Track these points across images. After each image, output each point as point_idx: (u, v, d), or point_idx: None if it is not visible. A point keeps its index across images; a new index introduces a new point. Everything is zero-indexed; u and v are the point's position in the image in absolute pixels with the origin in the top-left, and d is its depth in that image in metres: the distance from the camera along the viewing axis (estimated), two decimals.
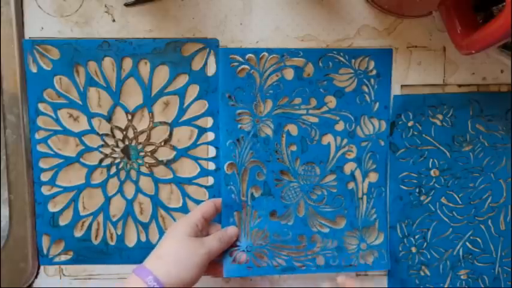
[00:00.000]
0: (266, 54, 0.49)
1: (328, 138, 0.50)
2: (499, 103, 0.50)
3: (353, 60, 0.49)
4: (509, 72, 0.50)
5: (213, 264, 0.46)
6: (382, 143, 0.50)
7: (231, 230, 0.48)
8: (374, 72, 0.49)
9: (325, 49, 0.49)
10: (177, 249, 0.42)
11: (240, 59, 0.49)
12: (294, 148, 0.49)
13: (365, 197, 0.50)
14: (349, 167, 0.50)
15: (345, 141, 0.50)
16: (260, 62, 0.49)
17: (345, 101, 0.49)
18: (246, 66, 0.49)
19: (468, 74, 0.50)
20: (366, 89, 0.49)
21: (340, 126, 0.50)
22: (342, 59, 0.49)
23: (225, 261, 0.48)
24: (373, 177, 0.50)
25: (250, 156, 0.49)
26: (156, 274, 0.40)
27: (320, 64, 0.49)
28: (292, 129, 0.49)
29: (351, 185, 0.50)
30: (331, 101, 0.49)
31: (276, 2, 0.49)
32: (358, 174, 0.50)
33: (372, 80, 0.49)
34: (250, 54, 0.49)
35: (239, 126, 0.49)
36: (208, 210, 0.47)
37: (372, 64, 0.49)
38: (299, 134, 0.49)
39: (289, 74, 0.49)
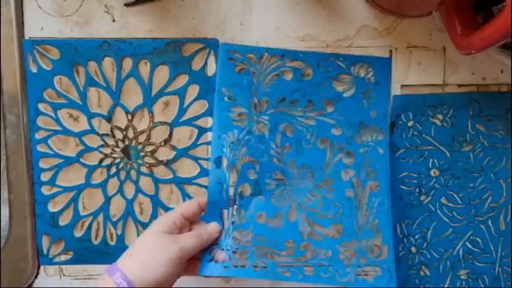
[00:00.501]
0: (266, 54, 0.48)
1: (325, 142, 0.49)
2: (499, 103, 0.50)
3: (352, 67, 0.49)
4: (509, 72, 0.50)
5: (193, 262, 0.45)
6: (382, 151, 0.48)
7: (212, 227, 0.46)
8: (373, 79, 0.49)
9: (325, 53, 0.49)
10: (148, 246, 0.41)
11: (240, 56, 0.48)
12: (289, 149, 0.48)
13: (366, 206, 0.48)
14: (347, 174, 0.48)
15: (343, 146, 0.48)
16: (260, 61, 0.48)
17: (343, 106, 0.48)
18: (245, 64, 0.48)
19: (468, 74, 0.50)
20: (365, 96, 0.49)
21: (337, 131, 0.48)
22: (341, 64, 0.49)
23: (202, 259, 0.46)
24: (374, 186, 0.48)
25: (243, 152, 0.48)
26: (125, 271, 0.39)
27: (320, 68, 0.49)
28: (288, 129, 0.49)
29: (350, 193, 0.48)
30: (329, 105, 0.49)
31: (276, 2, 0.49)
32: (357, 181, 0.48)
33: (371, 88, 0.49)
34: (250, 54, 0.48)
35: (233, 121, 0.48)
36: (190, 209, 0.45)
37: (371, 72, 0.49)
38: (295, 135, 0.48)
39: (288, 74, 0.49)
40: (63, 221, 0.51)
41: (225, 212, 0.47)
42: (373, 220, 0.47)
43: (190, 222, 0.46)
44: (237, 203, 0.48)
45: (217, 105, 0.48)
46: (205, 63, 0.49)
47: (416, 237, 0.51)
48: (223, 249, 0.46)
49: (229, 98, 0.48)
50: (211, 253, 0.46)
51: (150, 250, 0.41)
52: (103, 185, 0.51)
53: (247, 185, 0.48)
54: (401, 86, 0.50)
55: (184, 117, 0.50)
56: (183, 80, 0.50)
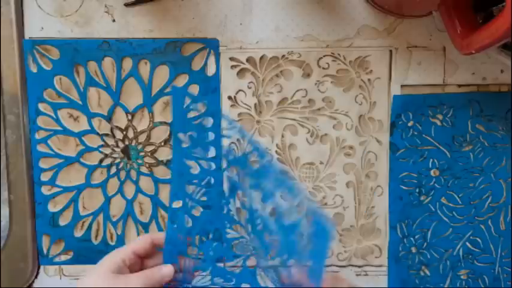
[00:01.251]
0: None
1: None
2: (499, 103, 0.50)
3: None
4: (509, 72, 0.50)
5: None
6: None
7: (165, 270, 0.42)
8: None
9: None
10: (93, 286, 0.38)
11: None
12: (245, 215, 0.45)
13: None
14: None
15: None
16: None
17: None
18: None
19: (468, 74, 0.50)
20: None
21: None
22: None
23: None
24: None
25: (202, 201, 0.45)
26: None
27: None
28: (244, 197, 0.44)
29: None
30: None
31: (276, 2, 0.49)
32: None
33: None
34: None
35: (191, 169, 0.45)
36: (141, 247, 0.42)
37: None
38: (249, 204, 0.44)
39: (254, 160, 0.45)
40: (63, 221, 0.51)
41: (182, 255, 0.44)
42: None
43: (143, 259, 0.43)
44: (196, 245, 0.45)
45: (176, 151, 0.44)
46: (205, 63, 0.49)
47: (416, 237, 0.51)
48: None
49: (186, 145, 0.45)
50: None
51: None
52: (103, 185, 0.51)
53: (207, 231, 0.46)
54: (401, 86, 0.50)
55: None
56: (183, 80, 0.50)
